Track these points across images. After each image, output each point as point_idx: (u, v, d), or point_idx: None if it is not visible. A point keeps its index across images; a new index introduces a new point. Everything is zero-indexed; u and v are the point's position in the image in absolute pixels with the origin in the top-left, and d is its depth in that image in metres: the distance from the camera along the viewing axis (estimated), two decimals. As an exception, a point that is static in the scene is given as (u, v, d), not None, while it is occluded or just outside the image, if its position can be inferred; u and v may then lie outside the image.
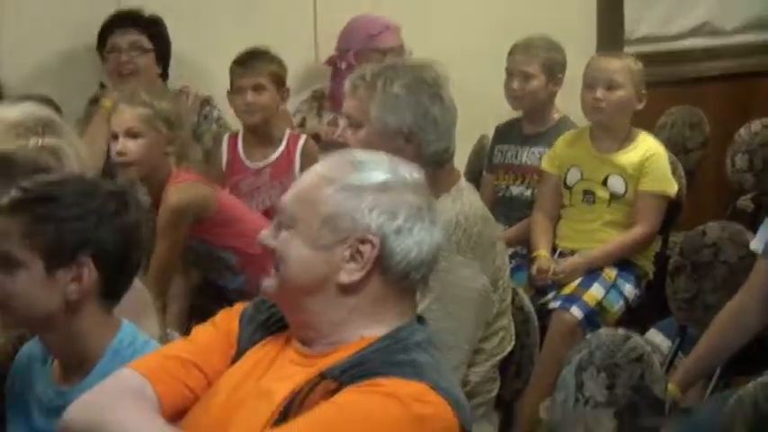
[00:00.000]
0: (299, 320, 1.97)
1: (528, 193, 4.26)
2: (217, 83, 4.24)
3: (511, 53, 4.29)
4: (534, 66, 4.24)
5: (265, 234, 1.98)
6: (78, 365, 2.20)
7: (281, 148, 4.08)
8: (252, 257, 3.53)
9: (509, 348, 2.83)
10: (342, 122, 2.81)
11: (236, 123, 4.21)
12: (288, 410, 1.86)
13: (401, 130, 2.66)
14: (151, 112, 3.49)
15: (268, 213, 3.82)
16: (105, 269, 2.15)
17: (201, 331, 2.07)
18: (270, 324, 2.03)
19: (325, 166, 1.99)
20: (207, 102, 4.34)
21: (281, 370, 1.94)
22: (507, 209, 4.26)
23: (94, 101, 4.24)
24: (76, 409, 1.93)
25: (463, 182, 2.81)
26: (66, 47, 4.36)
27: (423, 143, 2.68)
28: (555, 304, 3.87)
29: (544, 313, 3.85)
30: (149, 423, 1.87)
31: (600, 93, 3.95)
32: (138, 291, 2.51)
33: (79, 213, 2.14)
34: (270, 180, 4.06)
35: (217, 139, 4.23)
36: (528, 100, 4.28)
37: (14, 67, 4.21)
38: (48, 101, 3.94)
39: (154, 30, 4.25)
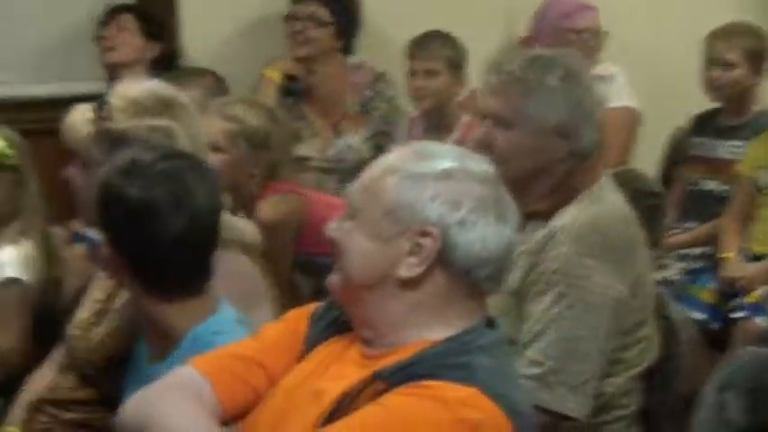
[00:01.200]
0: (359, 318, 1.86)
1: (722, 189, 3.98)
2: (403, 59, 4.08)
3: (709, 40, 4.02)
4: (736, 53, 3.95)
5: (332, 225, 1.88)
6: (162, 347, 2.18)
7: (454, 137, 3.85)
8: None
9: (651, 360, 2.63)
10: (483, 123, 2.61)
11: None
12: (337, 411, 1.77)
13: (557, 127, 2.49)
14: (237, 128, 3.21)
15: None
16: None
17: (271, 329, 1.99)
18: (340, 323, 1.93)
19: (391, 155, 1.87)
20: (381, 78, 4.17)
21: (340, 370, 1.85)
22: (699, 205, 4.02)
23: None
24: (130, 404, 1.89)
25: (605, 179, 2.62)
26: (255, 15, 4.33)
27: (577, 138, 2.50)
28: (739, 314, 3.61)
29: (730, 322, 3.64)
30: (195, 425, 1.81)
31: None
32: (247, 279, 2.46)
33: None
34: None
35: (386, 118, 4.10)
36: (728, 90, 4.00)
37: (199, 36, 4.22)
38: (214, 75, 3.94)
39: (338, 3, 4.10)
